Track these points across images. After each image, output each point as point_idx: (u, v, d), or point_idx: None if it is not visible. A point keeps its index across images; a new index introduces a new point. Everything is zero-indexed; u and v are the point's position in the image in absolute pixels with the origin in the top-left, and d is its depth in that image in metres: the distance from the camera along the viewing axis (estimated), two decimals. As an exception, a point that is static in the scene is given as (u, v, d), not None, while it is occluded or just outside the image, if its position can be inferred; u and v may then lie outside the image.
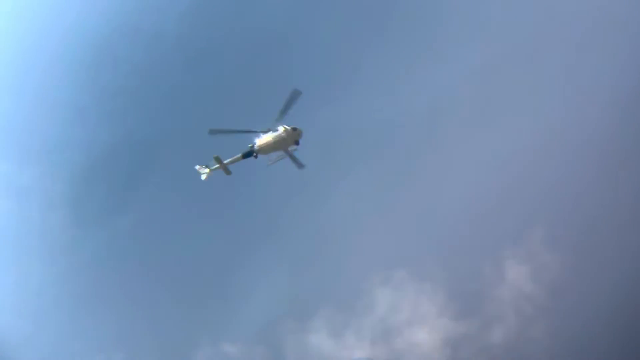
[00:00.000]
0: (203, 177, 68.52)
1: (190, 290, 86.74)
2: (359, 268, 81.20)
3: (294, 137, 65.79)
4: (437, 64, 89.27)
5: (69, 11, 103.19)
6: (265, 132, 66.21)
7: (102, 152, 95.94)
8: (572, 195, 79.20)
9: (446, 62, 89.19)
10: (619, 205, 77.12)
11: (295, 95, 63.14)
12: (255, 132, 66.05)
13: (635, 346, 69.42)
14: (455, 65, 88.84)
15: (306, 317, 79.96)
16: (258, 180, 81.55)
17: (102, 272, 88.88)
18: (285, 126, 65.64)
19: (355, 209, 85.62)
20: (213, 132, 63.12)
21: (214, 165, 67.77)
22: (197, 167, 69.10)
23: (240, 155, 67.30)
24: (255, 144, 66.52)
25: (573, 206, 78.86)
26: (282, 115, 64.44)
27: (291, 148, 66.60)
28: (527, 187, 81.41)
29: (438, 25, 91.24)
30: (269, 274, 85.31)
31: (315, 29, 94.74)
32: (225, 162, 67.38)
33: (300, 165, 67.33)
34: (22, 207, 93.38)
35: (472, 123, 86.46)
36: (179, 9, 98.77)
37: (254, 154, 66.82)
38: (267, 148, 66.24)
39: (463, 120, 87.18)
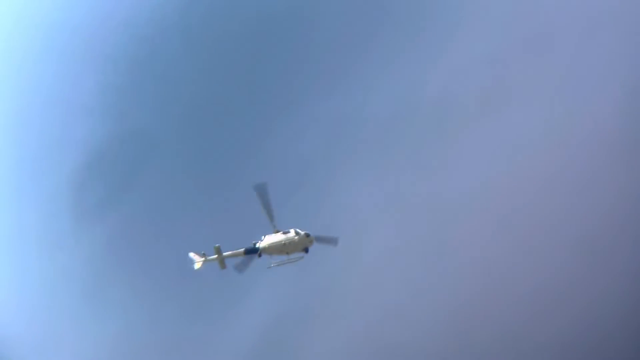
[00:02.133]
0: (196, 266, 63.22)
1: (189, 287, 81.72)
2: (362, 263, 78.03)
3: (304, 244, 62.17)
4: (444, 56, 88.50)
5: (65, 7, 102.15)
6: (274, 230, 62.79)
7: (100, 148, 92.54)
8: (579, 191, 77.60)
9: (453, 54, 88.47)
10: (628, 200, 75.54)
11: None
12: (272, 220, 62.01)
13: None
14: (462, 57, 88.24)
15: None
16: (259, 177, 77.13)
17: (100, 269, 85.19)
18: (297, 230, 62.49)
19: (360, 202, 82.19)
20: (258, 188, 59.83)
21: (212, 255, 62.93)
22: (192, 254, 63.98)
23: (242, 250, 62.77)
24: (260, 242, 62.56)
25: (581, 202, 77.05)
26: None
27: (298, 255, 63.01)
28: (533, 182, 79.69)
29: (446, 16, 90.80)
30: (270, 270, 79.65)
31: (320, 21, 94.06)
32: (224, 254, 62.74)
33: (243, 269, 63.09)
34: (19, 203, 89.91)
35: (478, 116, 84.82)
36: (179, 4, 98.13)
37: (258, 253, 62.68)
38: (274, 249, 62.28)
39: (469, 114, 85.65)
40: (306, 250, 62.38)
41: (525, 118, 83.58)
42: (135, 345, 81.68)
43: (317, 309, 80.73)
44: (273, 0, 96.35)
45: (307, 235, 62.18)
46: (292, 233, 62.28)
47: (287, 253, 62.34)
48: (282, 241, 61.93)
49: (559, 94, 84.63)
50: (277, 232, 62.44)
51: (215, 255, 62.51)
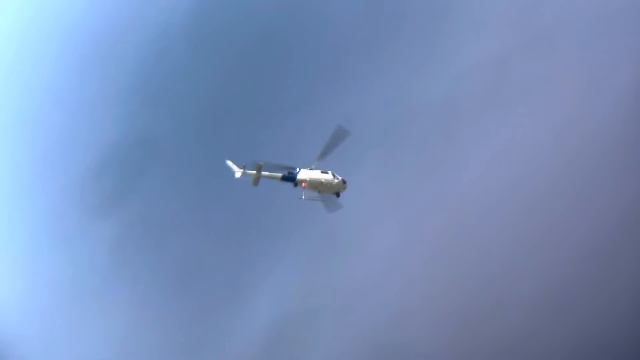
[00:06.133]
0: (237, 175, 64.63)
1: (197, 286, 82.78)
2: (368, 264, 78.98)
3: (338, 189, 65.84)
4: (449, 58, 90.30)
5: (74, 7, 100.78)
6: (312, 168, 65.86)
7: (109, 148, 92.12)
8: (586, 193, 79.62)
9: (458, 56, 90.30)
10: (636, 202, 77.36)
11: (340, 135, 63.18)
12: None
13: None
14: (467, 59, 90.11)
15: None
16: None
17: (109, 268, 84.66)
18: (335, 174, 66.04)
19: (365, 203, 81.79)
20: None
21: (252, 170, 64.61)
22: (230, 163, 65.32)
23: (280, 175, 65.25)
24: (299, 172, 65.23)
25: (587, 203, 78.89)
26: (325, 154, 64.49)
27: (328, 196, 66.34)
28: (539, 183, 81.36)
29: (451, 18, 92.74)
30: (277, 270, 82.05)
31: (328, 22, 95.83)
32: (263, 173, 64.79)
33: (332, 209, 66.36)
34: (29, 201, 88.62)
35: (483, 117, 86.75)
36: (188, 6, 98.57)
37: (295, 182, 65.41)
38: (311, 183, 65.17)
39: (474, 115, 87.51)
40: (337, 194, 66.22)
41: (531, 119, 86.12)
42: (143, 344, 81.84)
43: (323, 309, 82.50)
44: (281, 4, 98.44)
45: (344, 181, 65.92)
46: (330, 174, 65.76)
47: (319, 191, 65.58)
48: (321, 179, 64.99)
49: (564, 95, 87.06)
50: (313, 169, 65.72)
51: (255, 171, 64.46)
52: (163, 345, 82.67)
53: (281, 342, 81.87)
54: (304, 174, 65.13)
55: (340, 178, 65.73)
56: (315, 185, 65.07)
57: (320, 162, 65.15)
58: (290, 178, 65.01)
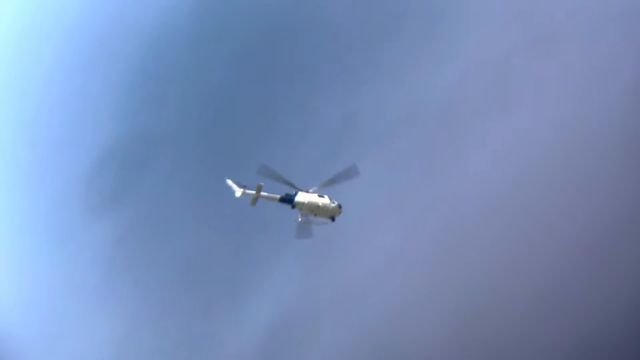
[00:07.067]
0: (237, 194, 66.34)
1: (197, 286, 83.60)
2: (368, 264, 79.88)
3: (334, 213, 67.62)
4: (451, 60, 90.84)
5: (74, 7, 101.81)
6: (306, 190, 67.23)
7: (110, 146, 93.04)
8: (587, 193, 79.85)
9: (460, 57, 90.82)
10: (636, 202, 77.77)
11: (351, 172, 64.66)
12: (294, 187, 66.08)
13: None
14: (469, 61, 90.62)
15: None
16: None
17: (108, 267, 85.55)
18: (332, 199, 67.73)
19: (366, 204, 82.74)
20: (263, 170, 63.49)
21: (252, 190, 66.21)
22: (230, 181, 66.97)
23: (278, 197, 66.94)
24: (297, 195, 66.74)
25: (588, 204, 79.13)
26: (330, 184, 65.79)
27: (321, 220, 68.06)
28: (540, 184, 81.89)
29: (452, 19, 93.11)
30: (277, 270, 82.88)
31: (330, 22, 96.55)
32: (262, 194, 66.41)
33: (306, 236, 68.13)
34: (31, 200, 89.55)
35: (485, 118, 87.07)
36: (188, 6, 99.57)
37: (293, 205, 67.03)
38: (308, 207, 66.87)
39: (475, 116, 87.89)
40: (333, 218, 68.03)
41: (531, 119, 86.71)
42: (143, 343, 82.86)
43: (322, 309, 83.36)
44: (283, 5, 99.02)
45: (340, 206, 67.75)
46: (326, 199, 67.47)
47: (315, 215, 67.30)
48: (318, 202, 66.67)
49: (565, 95, 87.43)
50: (308, 191, 67.33)
51: (254, 192, 66.04)
52: (163, 345, 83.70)
53: (280, 342, 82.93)
54: (301, 197, 66.72)
55: (336, 203, 67.44)
56: (312, 208, 66.73)
57: (320, 188, 66.63)
58: (288, 200, 66.63)
